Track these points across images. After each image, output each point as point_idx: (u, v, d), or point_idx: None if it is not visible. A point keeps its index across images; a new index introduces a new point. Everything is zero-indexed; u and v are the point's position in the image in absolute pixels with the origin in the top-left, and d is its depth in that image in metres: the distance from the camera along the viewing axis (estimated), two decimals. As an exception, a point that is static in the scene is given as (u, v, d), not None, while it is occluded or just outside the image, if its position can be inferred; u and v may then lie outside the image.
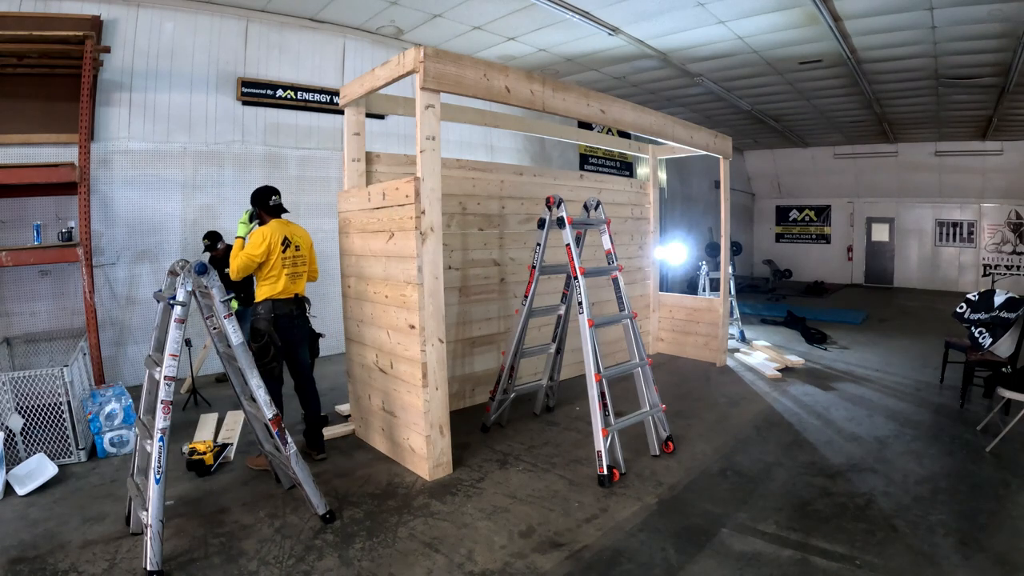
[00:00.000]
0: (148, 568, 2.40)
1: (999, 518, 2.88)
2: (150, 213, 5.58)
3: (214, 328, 2.90)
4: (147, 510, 2.44)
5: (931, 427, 4.24)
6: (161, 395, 2.55)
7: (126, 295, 5.46)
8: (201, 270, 2.68)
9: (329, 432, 4.13)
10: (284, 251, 3.56)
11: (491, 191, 4.93)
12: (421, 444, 3.40)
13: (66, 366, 3.60)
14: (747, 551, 2.62)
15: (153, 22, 5.57)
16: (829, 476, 3.41)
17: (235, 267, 3.49)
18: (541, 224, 3.99)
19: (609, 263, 3.90)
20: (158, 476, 2.46)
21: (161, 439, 2.50)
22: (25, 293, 4.98)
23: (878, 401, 4.91)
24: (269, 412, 2.86)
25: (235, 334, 2.79)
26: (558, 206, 3.84)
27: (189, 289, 2.66)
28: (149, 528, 2.41)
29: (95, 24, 5.07)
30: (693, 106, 10.36)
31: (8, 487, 3.21)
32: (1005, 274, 12.94)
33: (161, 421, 2.53)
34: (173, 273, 2.77)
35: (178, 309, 2.61)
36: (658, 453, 3.70)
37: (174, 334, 2.60)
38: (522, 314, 4.06)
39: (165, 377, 2.55)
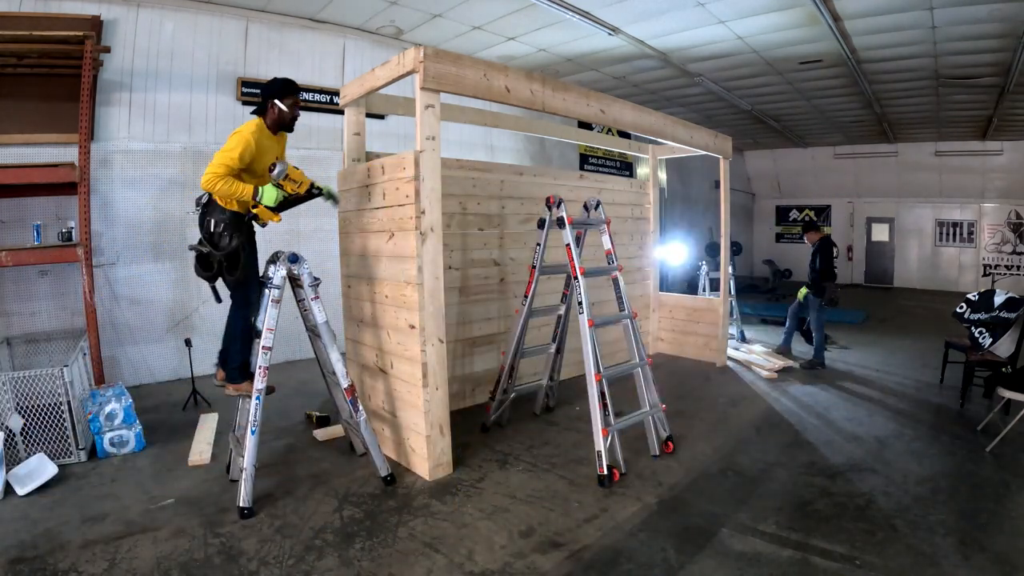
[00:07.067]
0: (240, 504, 2.91)
1: (999, 518, 2.88)
2: (150, 213, 5.57)
3: (305, 310, 3.33)
4: (243, 456, 2.95)
5: (931, 427, 4.24)
6: (259, 362, 3.06)
7: (126, 295, 5.46)
8: (294, 259, 3.13)
9: (329, 432, 4.14)
10: None
11: (491, 191, 4.93)
12: (421, 444, 3.40)
13: (66, 366, 3.59)
14: (747, 551, 2.62)
15: (153, 22, 5.56)
16: (829, 476, 3.41)
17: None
18: (541, 224, 3.99)
19: (609, 263, 3.89)
20: (254, 428, 2.99)
21: (258, 398, 3.04)
22: (25, 293, 4.98)
23: (878, 401, 4.91)
24: (345, 382, 3.28)
25: (320, 314, 3.23)
26: (558, 206, 3.83)
27: (283, 274, 3.11)
28: (244, 471, 2.92)
29: (95, 24, 5.06)
30: (693, 106, 10.35)
31: (8, 487, 3.21)
32: (1005, 274, 12.94)
33: (259, 383, 3.06)
34: (272, 261, 3.17)
35: (275, 292, 3.10)
36: (658, 453, 3.70)
37: (271, 312, 3.07)
38: (522, 314, 4.06)
39: (263, 347, 3.07)
